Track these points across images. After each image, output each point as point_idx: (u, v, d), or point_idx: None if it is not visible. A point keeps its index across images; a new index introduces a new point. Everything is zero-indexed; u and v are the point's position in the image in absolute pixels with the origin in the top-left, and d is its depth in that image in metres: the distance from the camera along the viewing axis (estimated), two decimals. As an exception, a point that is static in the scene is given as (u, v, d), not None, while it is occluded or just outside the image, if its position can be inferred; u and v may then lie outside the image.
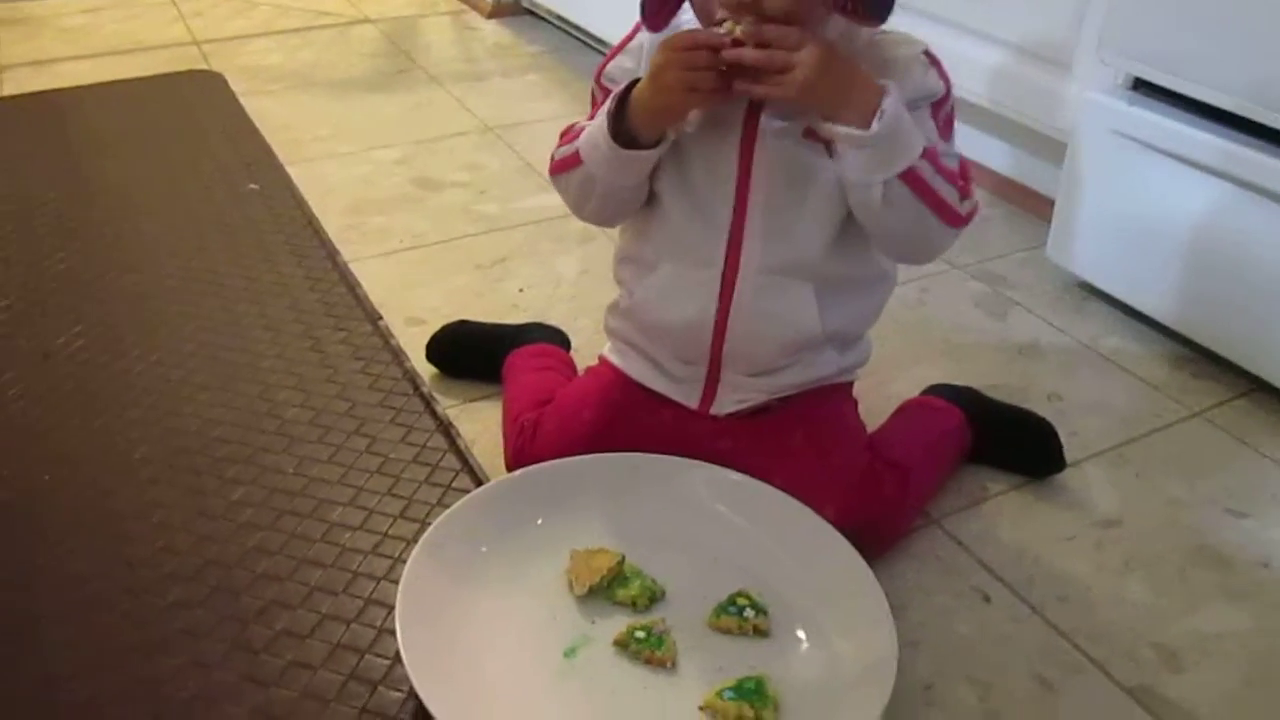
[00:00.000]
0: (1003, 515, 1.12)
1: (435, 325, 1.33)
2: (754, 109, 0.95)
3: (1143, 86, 1.36)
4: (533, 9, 2.70)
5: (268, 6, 2.80)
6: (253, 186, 1.77)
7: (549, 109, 2.17)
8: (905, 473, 1.06)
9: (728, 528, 1.01)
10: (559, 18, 2.58)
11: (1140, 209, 1.36)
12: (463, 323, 1.34)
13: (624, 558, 0.97)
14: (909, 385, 1.24)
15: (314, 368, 1.31)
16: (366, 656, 0.93)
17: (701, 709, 0.85)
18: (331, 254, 1.57)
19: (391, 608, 0.93)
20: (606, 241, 1.51)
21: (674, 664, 0.89)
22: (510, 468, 1.11)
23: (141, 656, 0.92)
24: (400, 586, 0.90)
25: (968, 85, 1.64)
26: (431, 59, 2.45)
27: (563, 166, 1.02)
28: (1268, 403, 1.29)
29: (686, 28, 0.93)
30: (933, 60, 0.95)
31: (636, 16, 0.94)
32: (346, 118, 2.10)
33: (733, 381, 1.05)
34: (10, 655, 0.93)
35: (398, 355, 1.33)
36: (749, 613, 0.92)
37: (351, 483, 1.12)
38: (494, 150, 1.97)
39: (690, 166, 0.98)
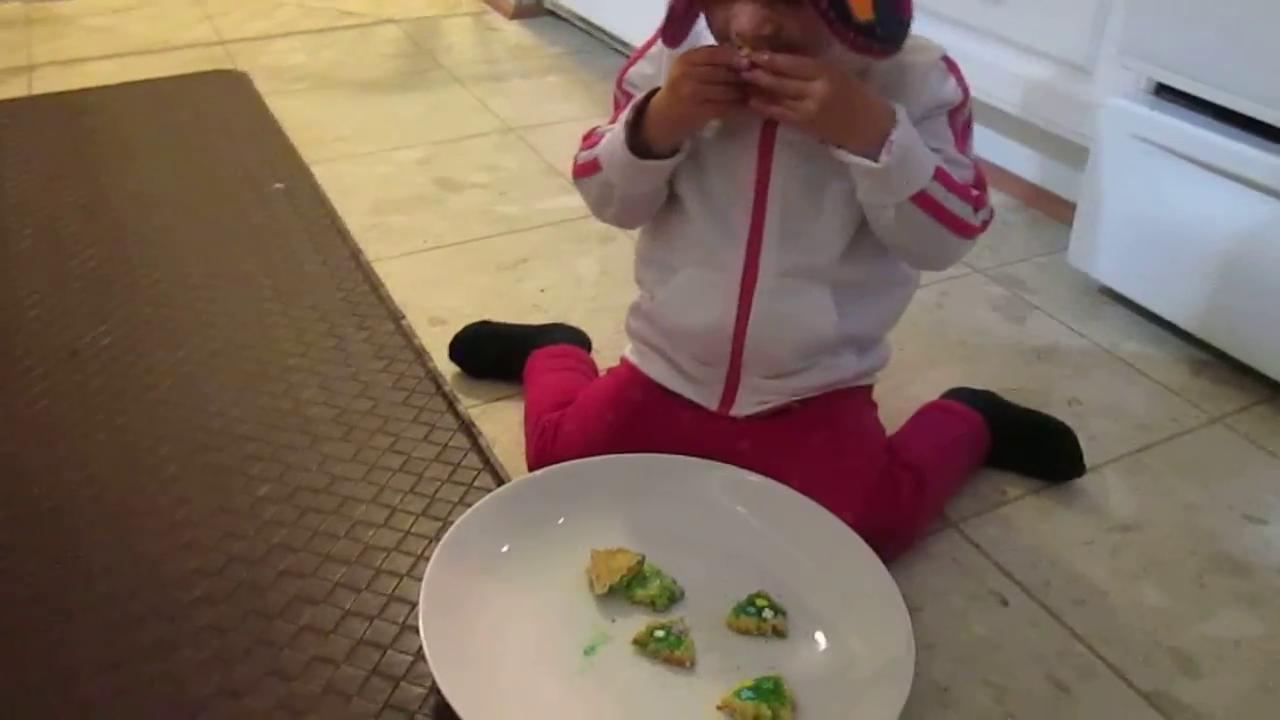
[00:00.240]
0: (1020, 519, 1.12)
1: (457, 325, 1.34)
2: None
3: (1164, 91, 1.36)
4: (555, 10, 2.71)
5: (292, 6, 2.82)
6: (278, 186, 1.79)
7: (570, 110, 2.18)
8: (923, 476, 1.06)
9: (746, 529, 1.02)
10: (581, 19, 2.59)
11: (1161, 214, 1.36)
12: (484, 323, 1.35)
13: (644, 557, 0.97)
14: (928, 388, 1.25)
15: (337, 367, 1.32)
16: (389, 652, 0.94)
17: (719, 708, 0.86)
18: (355, 253, 1.58)
19: (414, 604, 0.94)
20: (627, 242, 1.52)
21: (692, 663, 0.90)
22: (532, 468, 1.12)
23: (166, 651, 0.94)
24: (423, 583, 0.92)
25: (989, 90, 1.65)
26: (453, 59, 2.46)
27: (583, 171, 1.04)
28: (1287, 409, 1.29)
29: (704, 43, 0.94)
30: (951, 66, 0.95)
31: (658, 21, 0.95)
32: (369, 118, 2.12)
33: (752, 384, 1.05)
34: (36, 648, 0.94)
35: (420, 355, 1.35)
36: (767, 613, 0.93)
37: (375, 481, 1.14)
38: (515, 151, 1.98)
39: (709, 173, 1.00)
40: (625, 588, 0.95)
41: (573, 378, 1.21)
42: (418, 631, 0.88)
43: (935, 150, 0.93)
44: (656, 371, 1.09)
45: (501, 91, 2.27)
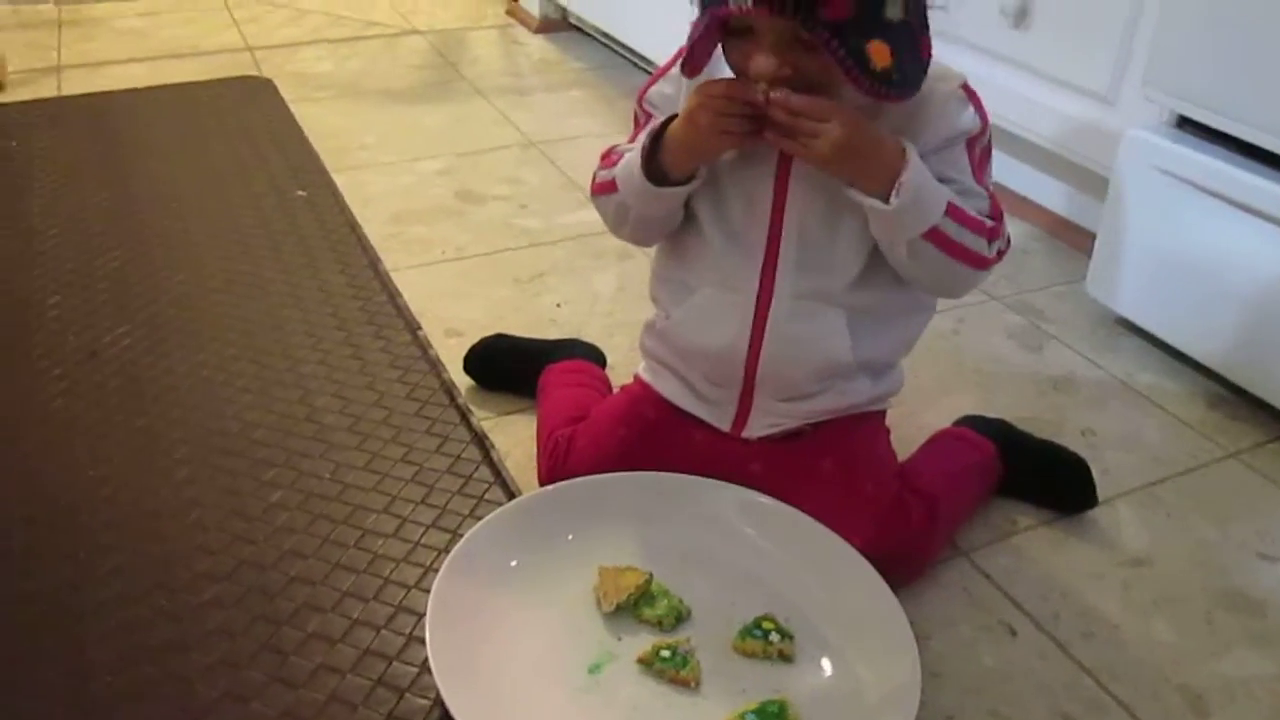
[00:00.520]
0: (1031, 550, 1.12)
1: (473, 337, 1.35)
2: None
3: (1187, 124, 1.36)
4: (579, 25, 2.72)
5: (319, 15, 2.84)
6: (300, 193, 1.80)
7: (592, 125, 2.19)
8: (934, 503, 1.06)
9: (755, 551, 1.01)
10: (604, 35, 2.60)
11: (1182, 246, 1.36)
12: (500, 336, 1.35)
13: (652, 576, 0.97)
14: (940, 416, 1.25)
15: (353, 375, 1.33)
16: (395, 663, 0.94)
17: (723, 730, 0.86)
18: (374, 263, 1.59)
19: (421, 615, 0.94)
20: (644, 259, 1.53)
21: (698, 684, 0.90)
22: (543, 483, 1.12)
23: (175, 653, 0.94)
24: (431, 595, 0.92)
25: (1011, 119, 1.65)
26: (477, 72, 2.48)
27: (601, 190, 1.06)
28: (1304, 446, 1.28)
29: (721, 74, 0.94)
30: (970, 94, 0.96)
31: (679, 39, 0.95)
32: (392, 127, 2.14)
33: (765, 405, 1.05)
34: (48, 647, 0.95)
35: (435, 366, 1.35)
36: (774, 637, 0.92)
37: (386, 490, 1.14)
38: (536, 165, 1.99)
39: (727, 196, 1.00)
40: (633, 606, 0.95)
41: (586, 394, 1.21)
42: (424, 643, 0.89)
43: (951, 180, 0.94)
44: (670, 390, 1.10)
45: (524, 105, 2.28)
